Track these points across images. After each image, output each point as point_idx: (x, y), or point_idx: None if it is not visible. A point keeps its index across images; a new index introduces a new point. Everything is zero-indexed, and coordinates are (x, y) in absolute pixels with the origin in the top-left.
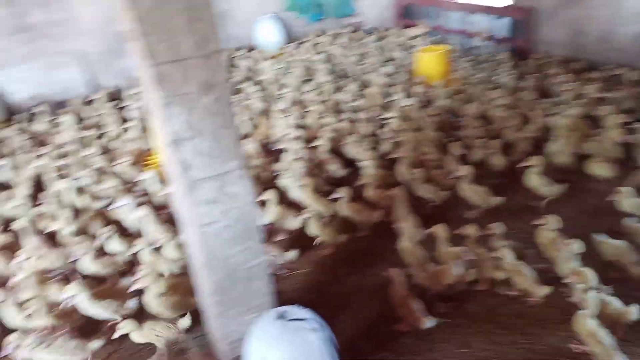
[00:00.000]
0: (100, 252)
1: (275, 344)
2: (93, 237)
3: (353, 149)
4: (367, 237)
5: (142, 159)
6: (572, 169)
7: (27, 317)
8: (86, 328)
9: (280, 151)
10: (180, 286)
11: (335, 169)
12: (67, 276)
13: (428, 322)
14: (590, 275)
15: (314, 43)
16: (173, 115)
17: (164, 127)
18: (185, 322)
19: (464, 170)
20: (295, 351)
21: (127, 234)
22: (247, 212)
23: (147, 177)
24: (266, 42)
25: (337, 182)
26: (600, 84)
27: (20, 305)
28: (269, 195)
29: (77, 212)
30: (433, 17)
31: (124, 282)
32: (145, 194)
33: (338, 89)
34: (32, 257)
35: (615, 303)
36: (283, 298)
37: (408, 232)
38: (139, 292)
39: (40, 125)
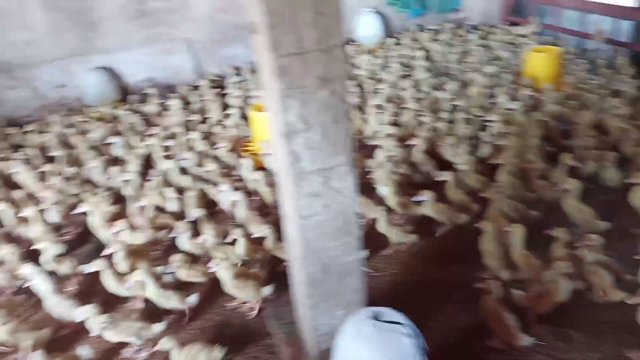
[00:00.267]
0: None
1: (368, 344)
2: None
3: (450, 150)
4: (457, 240)
5: (239, 145)
6: None
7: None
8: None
9: (373, 147)
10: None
11: (429, 170)
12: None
13: (524, 341)
14: None
15: (414, 38)
16: (289, 108)
17: (278, 119)
18: (267, 290)
19: (572, 184)
20: (389, 354)
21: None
22: (348, 208)
23: (244, 164)
24: (365, 36)
25: (427, 184)
26: None
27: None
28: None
29: (180, 191)
30: (545, 14)
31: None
32: (241, 179)
33: (437, 87)
34: (128, 229)
35: None
36: (370, 298)
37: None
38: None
39: (150, 107)
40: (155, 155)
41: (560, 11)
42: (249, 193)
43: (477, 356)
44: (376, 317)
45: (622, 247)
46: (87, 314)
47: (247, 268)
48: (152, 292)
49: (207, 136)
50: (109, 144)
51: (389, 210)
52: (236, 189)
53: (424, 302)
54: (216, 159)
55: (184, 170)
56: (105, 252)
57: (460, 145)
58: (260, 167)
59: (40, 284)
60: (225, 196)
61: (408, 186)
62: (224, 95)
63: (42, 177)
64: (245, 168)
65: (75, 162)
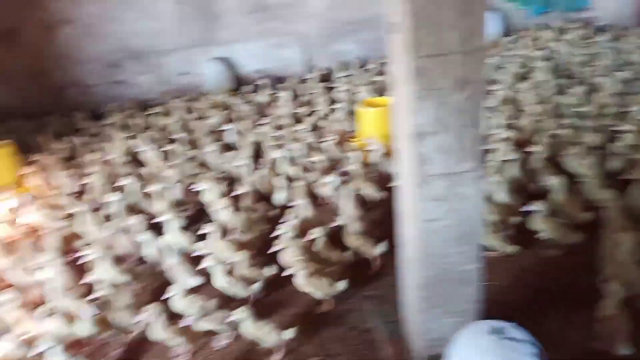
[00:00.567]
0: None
1: None
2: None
3: (574, 160)
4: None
5: (345, 139)
6: None
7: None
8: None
9: (486, 151)
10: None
11: (547, 179)
12: None
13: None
14: None
15: (534, 38)
16: (422, 109)
17: (410, 120)
18: (342, 285)
19: None
20: None
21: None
22: (473, 215)
23: (352, 157)
24: None
25: (542, 194)
26: None
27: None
28: None
29: (289, 180)
30: None
31: None
32: (347, 173)
33: (560, 91)
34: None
35: None
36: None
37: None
38: None
39: (262, 97)
40: (265, 144)
41: None
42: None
43: None
44: (498, 332)
45: None
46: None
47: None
48: (220, 281)
49: (314, 128)
50: (224, 130)
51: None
52: (343, 182)
53: (541, 316)
54: (322, 151)
55: (291, 161)
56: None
57: (587, 156)
58: (364, 163)
59: (153, 252)
60: (331, 188)
61: (520, 194)
62: (331, 89)
63: (165, 156)
64: (353, 161)
65: (194, 145)
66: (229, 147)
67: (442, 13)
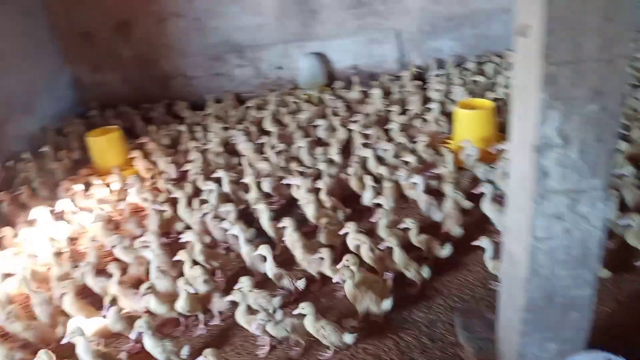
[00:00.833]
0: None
1: None
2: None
3: None
4: None
5: (437, 141)
6: None
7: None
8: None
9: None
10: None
11: None
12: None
13: None
14: None
15: None
16: (548, 119)
17: (533, 130)
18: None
19: None
20: None
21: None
22: (591, 238)
23: (446, 158)
24: None
25: None
26: None
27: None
28: None
29: (376, 180)
30: None
31: None
32: (437, 177)
33: None
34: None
35: None
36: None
37: None
38: None
39: (353, 94)
40: (355, 142)
41: None
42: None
43: None
44: None
45: None
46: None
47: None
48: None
49: (406, 128)
50: (315, 125)
51: None
52: (429, 186)
53: None
54: (413, 152)
55: (380, 159)
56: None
57: None
58: (459, 167)
59: (239, 235)
60: (419, 191)
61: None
62: (424, 88)
63: (259, 149)
64: (447, 163)
65: (286, 138)
66: (319, 143)
67: (583, 17)
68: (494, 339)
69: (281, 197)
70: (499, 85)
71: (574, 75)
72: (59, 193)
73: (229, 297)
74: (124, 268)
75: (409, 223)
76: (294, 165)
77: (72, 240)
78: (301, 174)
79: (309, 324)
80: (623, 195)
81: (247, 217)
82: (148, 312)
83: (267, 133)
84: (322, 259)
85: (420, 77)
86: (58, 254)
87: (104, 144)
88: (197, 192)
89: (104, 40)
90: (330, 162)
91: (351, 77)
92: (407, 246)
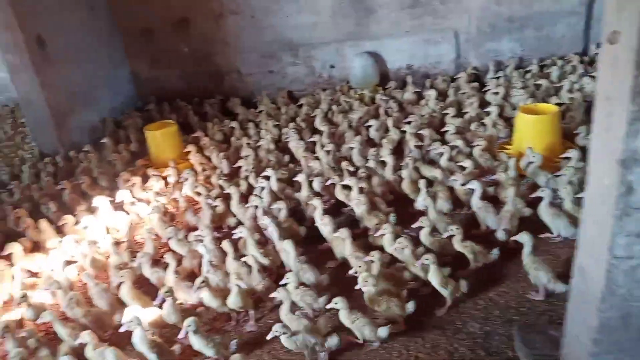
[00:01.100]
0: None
1: None
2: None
3: None
4: None
5: (495, 146)
6: None
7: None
8: None
9: None
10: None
11: None
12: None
13: None
14: None
15: None
16: (637, 133)
17: (620, 144)
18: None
19: None
20: None
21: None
22: None
23: (509, 163)
24: None
25: None
26: None
27: None
28: None
29: (429, 183)
30: None
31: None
32: (495, 183)
33: None
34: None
35: None
36: None
37: None
38: None
39: (406, 95)
40: (408, 143)
41: None
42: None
43: None
44: None
45: None
46: None
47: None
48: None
49: (461, 131)
50: (368, 126)
51: None
52: (486, 192)
53: None
54: (469, 156)
55: (432, 162)
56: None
57: None
58: (520, 175)
59: (273, 231)
60: (475, 197)
61: None
62: (482, 90)
63: (310, 147)
64: (508, 168)
65: (337, 137)
66: (371, 143)
67: None
68: (558, 358)
69: (331, 197)
70: (563, 90)
71: None
72: (118, 184)
73: (274, 294)
74: (178, 260)
75: (453, 229)
76: (344, 165)
77: (130, 230)
78: (352, 174)
79: (343, 317)
80: None
81: (297, 214)
82: (202, 305)
83: (318, 132)
84: (372, 262)
85: (478, 79)
86: (117, 244)
87: (161, 138)
88: (249, 188)
89: (163, 37)
90: (382, 163)
91: (405, 78)
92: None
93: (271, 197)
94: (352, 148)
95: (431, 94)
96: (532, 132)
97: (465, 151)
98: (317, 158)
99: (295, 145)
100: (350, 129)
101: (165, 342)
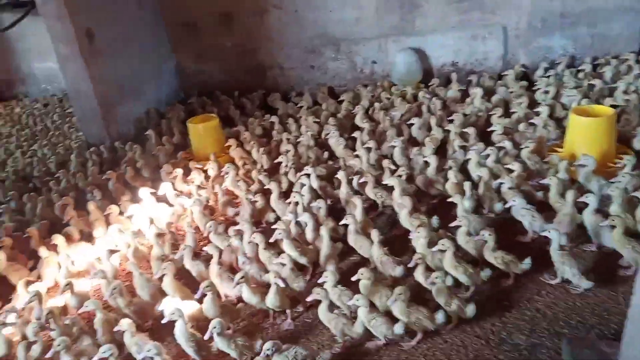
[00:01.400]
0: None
1: None
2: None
3: None
4: None
5: (544, 149)
6: None
7: None
8: None
9: None
10: None
11: None
12: None
13: None
14: None
15: None
16: None
17: None
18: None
19: None
20: None
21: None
22: None
23: (552, 170)
24: None
25: None
26: None
27: None
28: None
29: (475, 185)
30: None
31: None
32: (542, 187)
33: None
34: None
35: None
36: None
37: None
38: None
39: (451, 92)
40: (452, 143)
41: None
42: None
43: None
44: None
45: None
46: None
47: None
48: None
49: (508, 132)
50: (410, 124)
51: None
52: (534, 197)
53: None
54: (517, 158)
55: (479, 165)
56: None
57: None
58: (571, 180)
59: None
60: (520, 203)
61: None
62: (531, 89)
63: (350, 144)
64: (559, 172)
65: (378, 135)
66: (413, 142)
67: None
68: None
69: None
70: (618, 91)
71: None
72: (160, 175)
73: (312, 295)
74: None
75: (486, 235)
76: (386, 164)
77: (172, 222)
78: (394, 173)
79: (362, 315)
80: None
81: (337, 212)
82: (241, 300)
83: (358, 129)
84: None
85: (526, 77)
86: (159, 235)
87: (203, 132)
88: (289, 184)
89: (207, 31)
90: (425, 163)
91: (449, 75)
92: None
93: (311, 194)
94: (393, 146)
95: (477, 92)
96: (585, 134)
97: (512, 152)
98: (357, 156)
99: (336, 142)
100: (392, 126)
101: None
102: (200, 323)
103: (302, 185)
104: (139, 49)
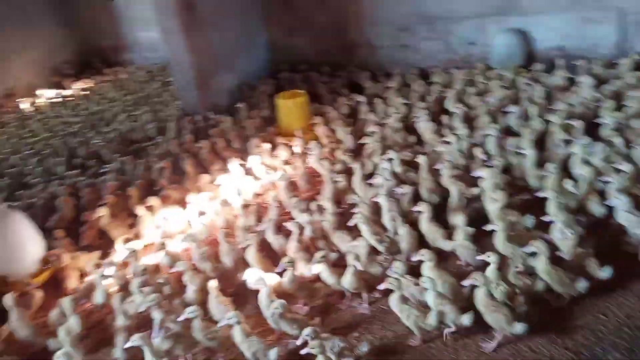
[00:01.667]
0: None
1: None
2: None
3: None
4: None
5: None
6: None
7: None
8: None
9: None
10: None
11: None
12: None
13: None
14: None
15: None
16: None
17: None
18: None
19: None
20: None
21: None
22: None
23: None
24: None
25: None
26: None
27: None
28: None
29: (576, 182)
30: None
31: None
32: None
33: None
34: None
35: None
36: None
37: None
38: None
39: (555, 79)
40: (554, 136)
41: None
42: None
43: None
44: None
45: None
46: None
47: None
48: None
49: (621, 127)
50: (507, 111)
51: None
52: None
53: None
54: (628, 158)
55: (585, 162)
56: None
57: None
58: None
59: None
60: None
61: None
62: None
63: (439, 129)
64: None
65: (470, 122)
66: (509, 132)
67: None
68: None
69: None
70: None
71: None
72: (249, 148)
73: (384, 284)
74: (300, 230)
75: (567, 232)
76: (478, 153)
77: (258, 195)
78: (486, 165)
79: (431, 300)
80: None
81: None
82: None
83: (449, 113)
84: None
85: None
86: (246, 206)
87: (291, 107)
88: (374, 166)
89: (300, 6)
90: (521, 155)
91: (555, 60)
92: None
93: (395, 179)
94: (487, 135)
95: (586, 80)
96: None
97: (623, 152)
98: (446, 142)
99: (424, 126)
100: (486, 114)
101: None
102: (278, 296)
103: (384, 169)
104: (234, 21)
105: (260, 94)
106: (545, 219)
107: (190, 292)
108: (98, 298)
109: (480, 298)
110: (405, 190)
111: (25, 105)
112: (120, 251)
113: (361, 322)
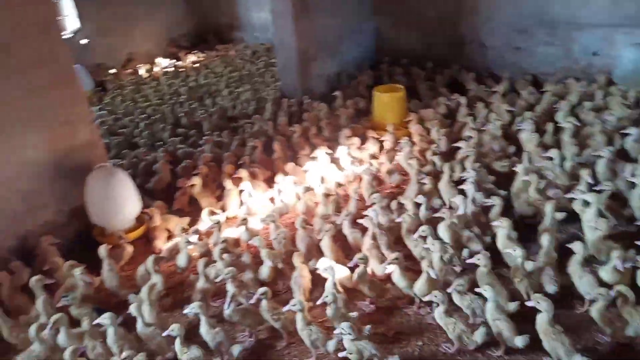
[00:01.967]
0: None
1: None
2: None
3: None
4: None
5: None
6: None
7: None
8: None
9: None
10: None
11: None
12: None
13: None
14: None
15: None
16: None
17: None
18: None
19: None
20: None
21: None
22: None
23: None
24: None
25: None
26: None
27: None
28: None
29: None
30: None
31: None
32: None
33: None
34: None
35: None
36: None
37: None
38: None
39: None
40: None
41: None
42: None
43: None
44: None
45: None
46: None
47: None
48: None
49: None
50: (625, 133)
51: None
52: None
53: None
54: None
55: None
56: None
57: None
58: None
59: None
60: None
61: None
62: None
63: (543, 143)
64: None
65: (581, 139)
66: (624, 156)
67: None
68: None
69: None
70: None
71: None
72: (339, 137)
73: (429, 296)
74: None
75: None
76: (584, 174)
77: (340, 185)
78: (592, 189)
79: (490, 311)
80: None
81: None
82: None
83: (559, 127)
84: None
85: None
86: (327, 195)
87: (387, 102)
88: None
89: None
90: (631, 184)
91: None
92: None
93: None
94: (598, 156)
95: None
96: None
97: None
98: (549, 158)
99: (528, 137)
100: (601, 132)
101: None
102: (346, 290)
103: (466, 179)
104: (342, 8)
105: (359, 84)
106: None
107: (266, 269)
108: (181, 261)
109: (541, 323)
110: (496, 202)
111: (142, 71)
112: (205, 221)
113: (425, 330)
